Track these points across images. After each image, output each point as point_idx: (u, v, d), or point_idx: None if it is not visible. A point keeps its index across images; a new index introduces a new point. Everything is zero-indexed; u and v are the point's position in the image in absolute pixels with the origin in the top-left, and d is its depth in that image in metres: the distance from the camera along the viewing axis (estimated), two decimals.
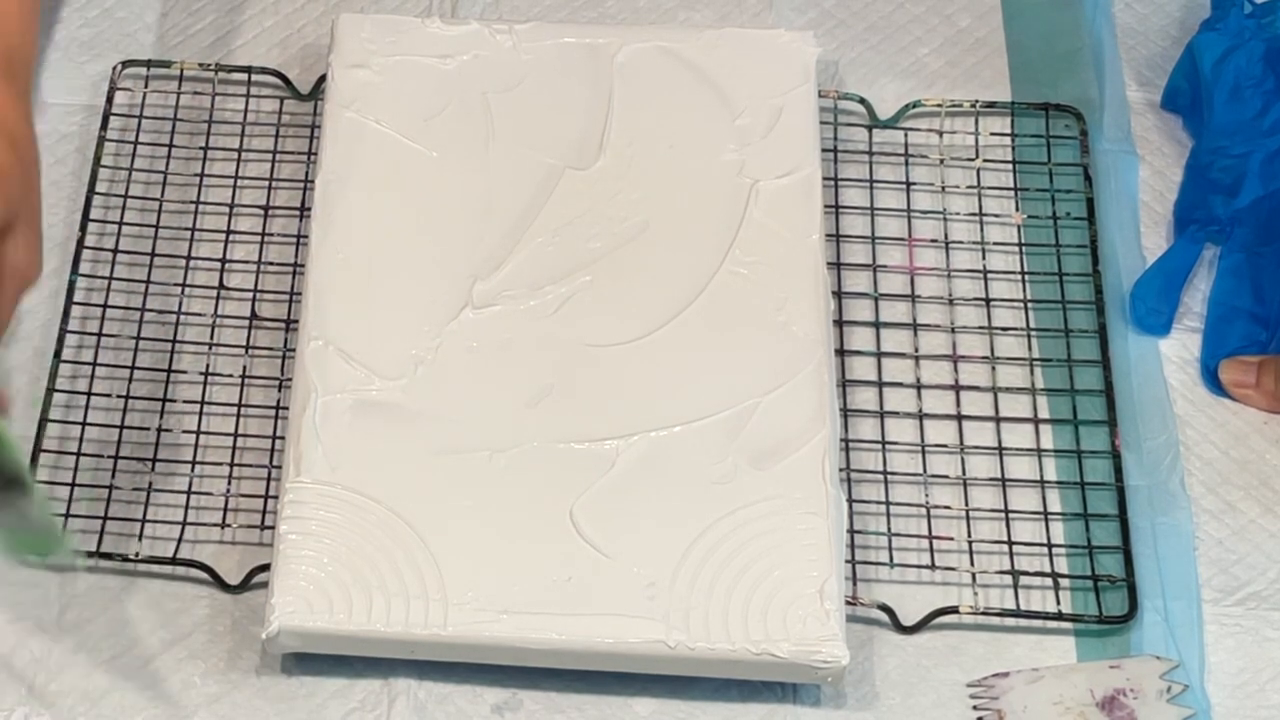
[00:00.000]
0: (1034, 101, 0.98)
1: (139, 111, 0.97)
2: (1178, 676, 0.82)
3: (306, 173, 0.94)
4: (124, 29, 1.01)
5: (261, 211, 0.94)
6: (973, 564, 0.85)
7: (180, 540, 0.85)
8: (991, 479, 0.88)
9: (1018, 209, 0.95)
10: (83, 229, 0.92)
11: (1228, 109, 0.95)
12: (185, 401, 0.88)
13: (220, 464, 0.87)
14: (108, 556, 0.84)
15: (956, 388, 0.90)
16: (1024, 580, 0.85)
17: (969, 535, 0.86)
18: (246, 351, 0.90)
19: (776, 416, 0.84)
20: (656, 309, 0.87)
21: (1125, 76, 1.00)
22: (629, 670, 0.81)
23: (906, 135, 0.97)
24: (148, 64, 0.98)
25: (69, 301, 0.90)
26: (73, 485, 0.86)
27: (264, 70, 0.97)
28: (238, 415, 0.88)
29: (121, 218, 0.93)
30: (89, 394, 0.88)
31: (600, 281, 0.88)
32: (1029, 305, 0.92)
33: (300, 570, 0.80)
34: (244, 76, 0.97)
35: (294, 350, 0.87)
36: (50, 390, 0.88)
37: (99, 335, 0.90)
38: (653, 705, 0.82)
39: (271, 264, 0.92)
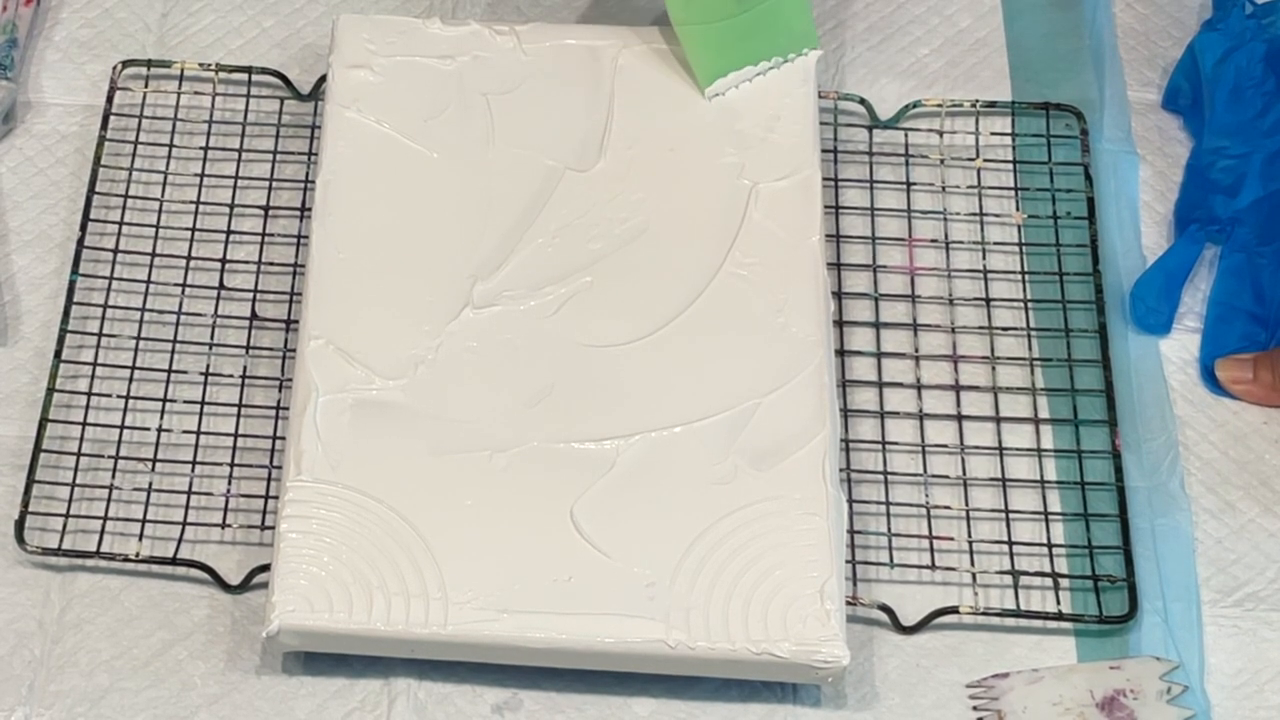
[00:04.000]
0: (1034, 101, 0.98)
1: (139, 111, 0.96)
2: (1177, 677, 0.82)
3: (307, 173, 0.94)
4: (124, 29, 1.01)
5: (262, 212, 0.94)
6: (973, 564, 0.85)
7: (180, 540, 0.85)
8: (991, 479, 0.88)
9: (1018, 209, 0.95)
10: (83, 229, 0.92)
11: (1228, 109, 0.95)
12: (185, 402, 0.88)
13: (220, 464, 0.87)
14: (108, 556, 0.84)
15: (956, 388, 0.90)
16: (1024, 580, 0.85)
17: (969, 535, 0.86)
18: (247, 352, 0.90)
19: (777, 417, 0.84)
20: (657, 310, 0.87)
21: (1126, 76, 1.00)
22: (629, 670, 0.81)
23: (907, 135, 0.97)
24: (148, 64, 0.98)
25: (69, 301, 0.90)
26: (73, 485, 0.86)
27: (264, 70, 0.97)
28: (238, 415, 0.88)
29: (122, 218, 0.93)
30: (89, 394, 0.88)
31: (600, 282, 0.88)
32: (1029, 305, 0.92)
33: (301, 569, 0.80)
34: (244, 77, 0.97)
35: (294, 350, 0.87)
36: (50, 390, 0.88)
37: (99, 335, 0.90)
38: (653, 705, 0.82)
39: (272, 264, 0.92)
